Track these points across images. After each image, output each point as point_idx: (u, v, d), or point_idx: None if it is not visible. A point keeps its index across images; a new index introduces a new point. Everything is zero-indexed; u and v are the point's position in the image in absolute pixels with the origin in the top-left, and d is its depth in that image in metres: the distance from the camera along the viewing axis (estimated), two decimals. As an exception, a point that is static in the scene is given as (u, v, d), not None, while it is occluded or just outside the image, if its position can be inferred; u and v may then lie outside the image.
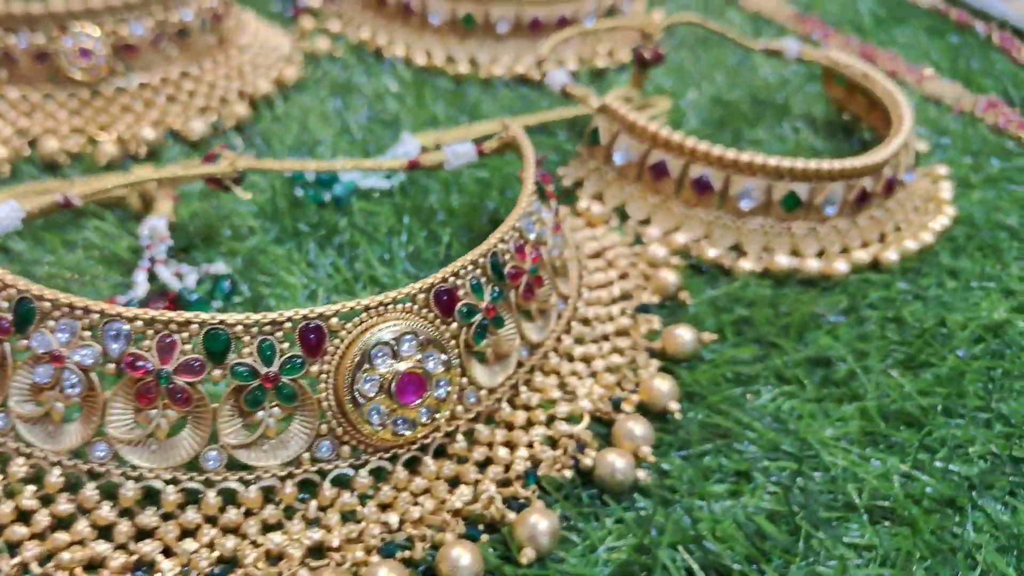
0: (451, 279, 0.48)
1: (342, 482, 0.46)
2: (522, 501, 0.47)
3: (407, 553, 0.44)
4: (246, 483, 0.45)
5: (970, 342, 0.62)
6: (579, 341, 0.57)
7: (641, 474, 0.49)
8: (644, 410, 0.54)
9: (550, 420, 0.51)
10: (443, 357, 0.46)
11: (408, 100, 0.82)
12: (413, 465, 0.48)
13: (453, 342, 0.48)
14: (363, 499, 0.46)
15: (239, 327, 0.43)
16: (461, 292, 0.48)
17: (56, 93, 0.72)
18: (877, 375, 0.58)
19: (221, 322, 0.43)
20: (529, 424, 0.51)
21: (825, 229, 0.68)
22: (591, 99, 0.71)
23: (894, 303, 0.65)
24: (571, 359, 0.56)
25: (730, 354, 0.58)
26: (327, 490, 0.46)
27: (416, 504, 0.46)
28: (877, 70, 0.82)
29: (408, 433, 0.46)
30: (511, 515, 0.46)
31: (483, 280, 0.49)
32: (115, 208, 0.64)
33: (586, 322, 0.58)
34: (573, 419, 0.52)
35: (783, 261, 0.66)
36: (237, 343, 0.43)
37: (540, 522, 0.44)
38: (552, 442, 0.51)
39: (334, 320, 0.44)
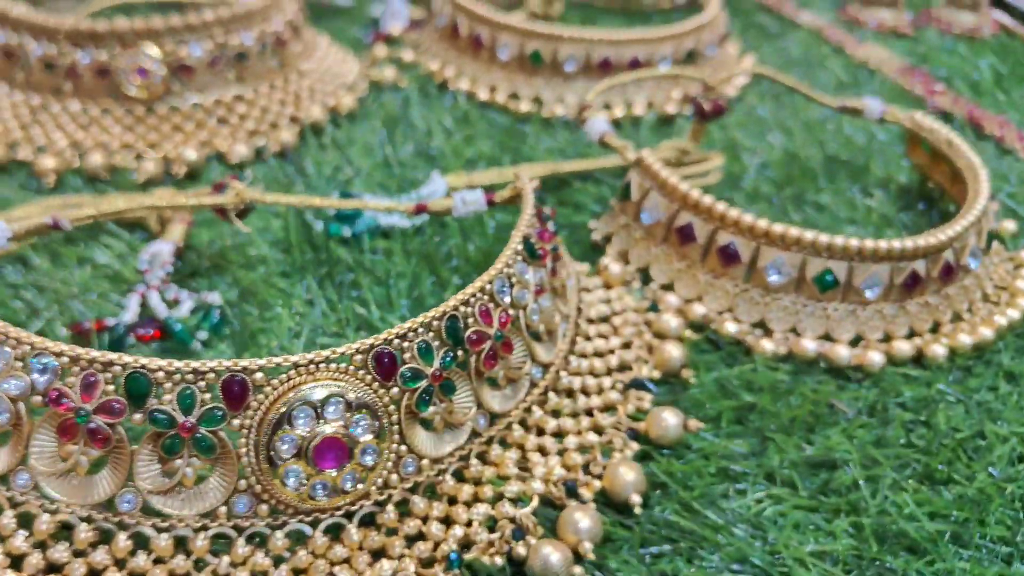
0: (395, 341, 0.45)
1: (258, 541, 0.45)
2: (440, 585, 0.44)
3: None
4: (159, 530, 0.44)
5: (1010, 460, 0.54)
6: (555, 414, 0.54)
7: (577, 571, 0.45)
8: (605, 499, 0.50)
9: (497, 499, 0.48)
10: (375, 423, 0.44)
11: (457, 136, 0.80)
12: (337, 531, 0.46)
13: (392, 407, 0.45)
14: (278, 561, 0.44)
15: (161, 373, 0.43)
16: (407, 355, 0.46)
17: (114, 109, 0.75)
18: (887, 487, 0.52)
19: (143, 366, 0.42)
20: (476, 500, 0.48)
21: (867, 313, 0.62)
22: (628, 151, 0.67)
23: (929, 405, 0.58)
24: (540, 432, 0.52)
25: (722, 445, 0.54)
26: (240, 547, 0.44)
27: (331, 574, 0.44)
28: (963, 138, 0.74)
29: (325, 500, 0.44)
30: (423, 599, 0.43)
31: (435, 344, 0.46)
32: (136, 228, 0.65)
33: (569, 393, 0.55)
34: (523, 501, 0.48)
35: (809, 345, 0.61)
36: (158, 389, 0.43)
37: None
38: (493, 523, 0.47)
39: (259, 375, 0.43)
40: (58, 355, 0.43)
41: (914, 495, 0.52)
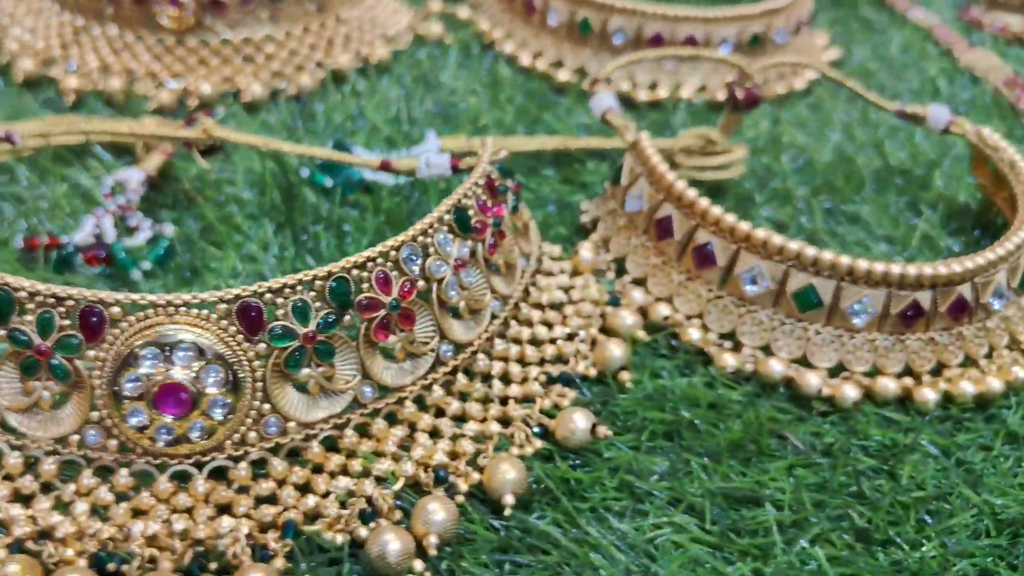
0: (267, 295, 0.43)
1: (104, 475, 0.44)
2: (271, 552, 0.42)
3: (124, 567, 0.41)
4: (12, 447, 0.44)
5: (974, 532, 0.47)
6: (463, 396, 0.50)
7: (418, 566, 0.42)
8: (481, 495, 0.46)
9: (363, 475, 0.46)
10: (227, 376, 0.43)
11: (484, 100, 0.77)
12: (186, 479, 0.44)
13: (257, 363, 0.43)
14: (121, 498, 0.44)
15: (24, 293, 0.42)
16: (280, 312, 0.43)
17: (146, 37, 0.76)
18: (809, 538, 0.46)
19: (7, 284, 0.42)
20: (343, 473, 0.46)
21: (855, 342, 0.55)
22: (628, 133, 0.62)
23: (899, 454, 0.51)
24: (440, 414, 0.49)
25: (636, 459, 0.49)
26: (86, 478, 0.44)
27: (166, 521, 0.43)
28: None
29: (164, 446, 0.43)
30: (248, 564, 0.41)
31: (316, 304, 0.44)
32: (124, 153, 0.66)
33: (486, 378, 0.51)
34: (389, 480, 0.46)
35: (776, 367, 0.55)
36: (21, 308, 0.42)
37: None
38: (350, 498, 0.45)
39: (116, 309, 0.42)
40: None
41: (836, 552, 0.45)
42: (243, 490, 0.45)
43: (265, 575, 0.40)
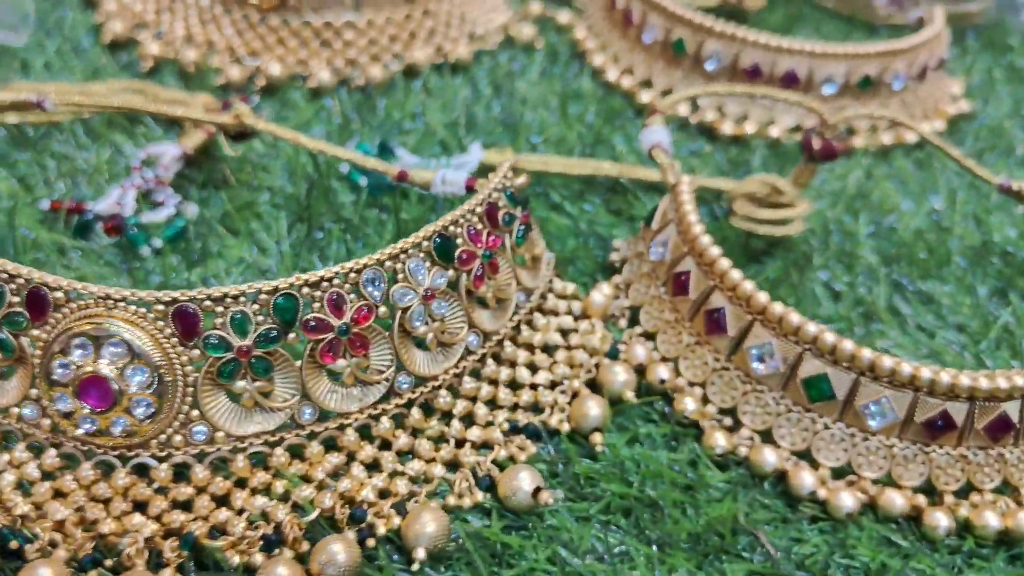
0: (207, 303, 0.43)
1: (35, 451, 0.45)
2: (164, 561, 0.42)
3: (26, 547, 0.42)
4: None
5: None
6: (415, 433, 0.48)
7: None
8: (398, 542, 0.44)
9: (283, 497, 0.45)
10: (152, 377, 0.42)
11: (552, 113, 0.74)
12: (109, 470, 0.45)
13: (190, 368, 0.43)
14: (47, 477, 0.44)
15: None
16: (218, 321, 0.43)
17: (234, 11, 0.77)
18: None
19: None
20: (266, 491, 0.45)
21: (869, 444, 0.49)
22: (671, 173, 0.58)
23: (883, 583, 0.45)
24: (385, 447, 0.48)
25: (579, 533, 0.45)
26: (19, 451, 0.45)
27: (79, 508, 0.43)
28: None
29: (86, 435, 0.43)
30: (139, 571, 0.41)
31: (257, 318, 0.43)
32: (174, 125, 0.67)
33: (445, 416, 0.49)
34: (307, 509, 0.44)
35: (770, 457, 0.50)
36: None
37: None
38: (261, 519, 0.44)
39: (59, 294, 0.43)
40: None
41: None
42: (161, 491, 0.44)
43: None
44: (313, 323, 0.44)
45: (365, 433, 0.48)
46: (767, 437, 0.51)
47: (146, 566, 0.42)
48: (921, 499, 0.49)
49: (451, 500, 0.46)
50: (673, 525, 0.46)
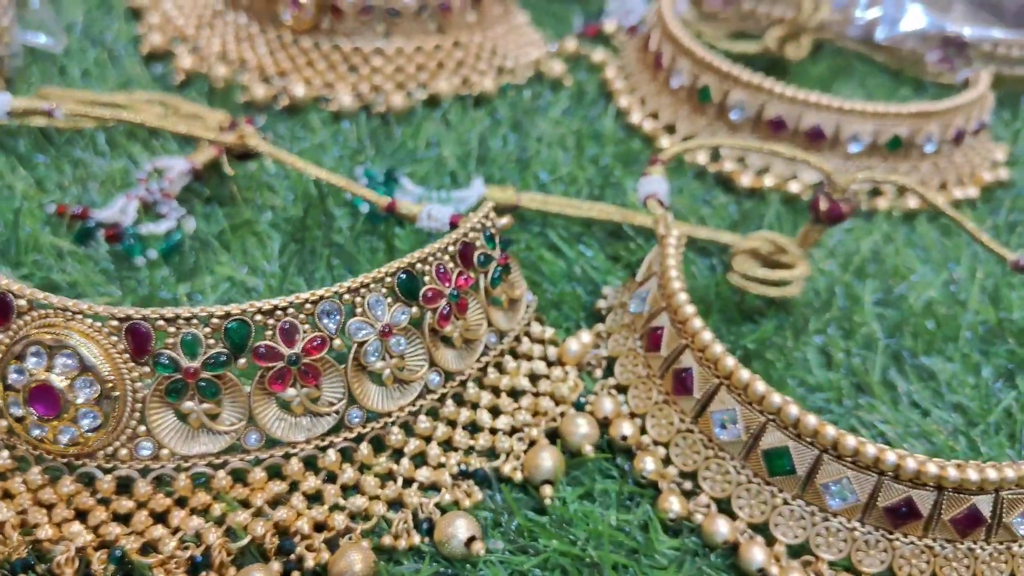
0: (159, 322, 0.44)
1: (-11, 452, 0.46)
2: (92, 573, 0.43)
3: None
4: None
5: None
6: (361, 469, 0.48)
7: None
8: (325, 576, 0.44)
9: (219, 520, 0.45)
10: (96, 390, 0.43)
11: (567, 153, 0.74)
12: (56, 476, 0.46)
13: (139, 385, 0.44)
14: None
15: None
16: (170, 341, 0.44)
17: (269, 31, 0.79)
18: None
19: None
20: (204, 511, 0.46)
21: (830, 525, 0.48)
22: (661, 224, 0.57)
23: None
24: (330, 479, 0.48)
25: (510, 586, 0.45)
26: (-26, 450, 0.46)
27: (21, 511, 0.45)
28: None
29: (36, 440, 0.44)
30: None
31: (208, 341, 0.44)
32: (190, 141, 0.69)
33: (396, 453, 0.49)
34: (238, 534, 0.45)
35: (722, 528, 0.48)
36: None
37: None
38: (193, 540, 0.45)
39: (23, 302, 0.44)
40: None
41: None
42: (104, 502, 0.45)
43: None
44: (263, 350, 0.45)
45: (311, 463, 0.48)
46: (726, 506, 0.49)
47: (73, 576, 0.42)
48: None
49: (387, 540, 0.46)
50: (607, 592, 0.45)
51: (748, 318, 0.61)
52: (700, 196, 0.72)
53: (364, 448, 0.49)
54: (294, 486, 0.47)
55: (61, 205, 0.62)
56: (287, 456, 0.47)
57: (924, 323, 0.62)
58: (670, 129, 0.78)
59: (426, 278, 0.49)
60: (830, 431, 0.46)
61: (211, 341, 0.44)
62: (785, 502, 0.48)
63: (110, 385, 0.44)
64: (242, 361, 0.45)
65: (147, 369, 0.44)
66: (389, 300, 0.48)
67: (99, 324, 0.44)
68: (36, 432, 0.44)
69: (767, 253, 0.63)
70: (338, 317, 0.46)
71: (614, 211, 0.66)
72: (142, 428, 0.45)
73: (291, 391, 0.46)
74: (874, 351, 0.60)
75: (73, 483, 0.46)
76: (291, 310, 0.45)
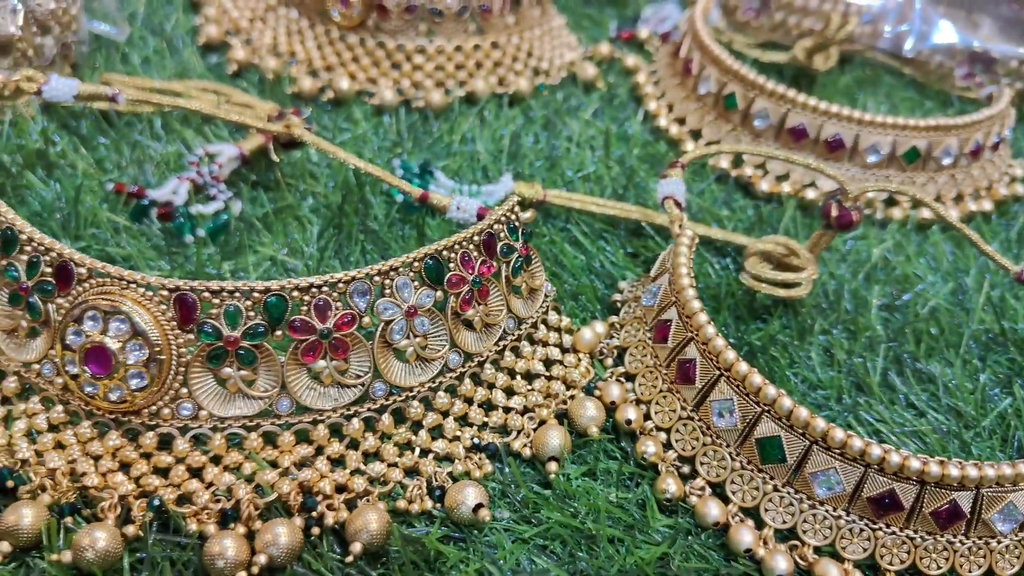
0: (205, 293, 0.48)
1: (47, 405, 0.51)
2: (132, 518, 0.47)
3: (19, 487, 0.48)
4: None
5: None
6: (382, 438, 0.52)
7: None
8: (341, 535, 0.48)
9: (248, 478, 0.49)
10: (145, 353, 0.47)
11: (594, 152, 0.77)
12: (104, 430, 0.50)
13: (185, 351, 0.48)
14: (52, 429, 0.50)
15: (25, 238, 0.49)
16: (213, 312, 0.48)
17: (317, 26, 0.83)
18: None
19: (13, 225, 0.50)
20: (235, 469, 0.50)
21: (816, 512, 0.50)
22: (676, 224, 0.60)
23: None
24: (354, 446, 0.52)
25: (506, 553, 0.48)
26: (33, 403, 0.51)
27: (71, 462, 0.49)
28: None
29: (89, 396, 0.48)
30: (109, 522, 0.46)
31: (248, 313, 0.48)
32: (241, 128, 0.73)
33: (413, 426, 0.53)
34: (265, 491, 0.49)
35: (713, 510, 0.51)
36: (21, 248, 0.50)
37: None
38: (224, 495, 0.48)
39: (83, 270, 0.48)
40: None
41: None
42: (146, 456, 0.49)
43: (107, 538, 0.45)
44: (298, 324, 0.48)
45: (336, 430, 0.52)
46: (721, 490, 0.52)
47: (115, 521, 0.46)
48: (858, 575, 0.49)
49: (401, 503, 0.50)
50: (605, 560, 0.49)
51: (757, 316, 0.64)
52: (720, 199, 0.75)
53: (386, 419, 0.52)
54: (319, 450, 0.51)
55: (119, 184, 0.66)
56: (315, 422, 0.51)
57: (927, 329, 0.65)
58: (695, 134, 0.81)
59: (451, 265, 0.52)
60: (820, 423, 0.49)
61: (251, 313, 0.48)
62: (775, 488, 0.51)
63: (157, 349, 0.48)
64: (278, 333, 0.49)
65: (191, 336, 0.48)
66: (416, 283, 0.51)
67: (150, 293, 0.48)
68: (88, 389, 0.48)
69: (779, 255, 0.66)
70: (368, 297, 0.50)
71: (635, 210, 0.69)
72: (184, 390, 0.49)
73: (321, 363, 0.50)
74: (876, 353, 0.62)
75: (119, 438, 0.50)
76: (325, 288, 0.49)
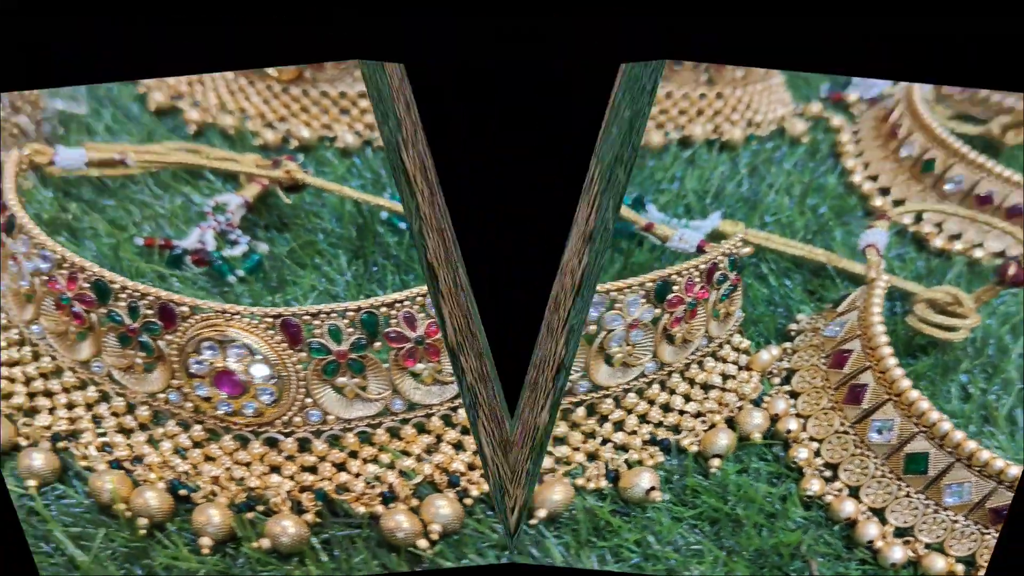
0: (305, 316, 0.62)
1: (184, 427, 0.64)
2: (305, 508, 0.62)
3: (192, 495, 0.60)
4: (119, 394, 0.64)
5: None
6: (574, 426, 0.67)
7: (422, 544, 0.59)
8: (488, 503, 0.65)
9: (389, 466, 0.63)
10: (268, 371, 0.60)
11: (794, 199, 0.87)
12: (244, 442, 0.64)
13: (301, 367, 0.62)
14: (196, 446, 0.63)
15: (118, 285, 0.60)
16: (317, 331, 0.63)
17: (256, 83, 0.88)
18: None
19: (103, 278, 0.60)
20: (374, 460, 0.62)
21: (939, 516, 0.60)
22: (874, 270, 0.75)
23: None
24: (464, 432, 0.68)
25: (664, 527, 0.61)
26: (171, 425, 0.63)
27: (227, 468, 0.61)
28: None
29: (224, 415, 0.62)
30: (285, 512, 0.60)
31: (348, 329, 0.61)
32: (231, 180, 0.85)
33: (602, 418, 0.66)
34: (410, 475, 0.64)
35: (847, 507, 0.62)
36: (117, 296, 0.61)
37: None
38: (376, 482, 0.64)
39: (185, 308, 0.63)
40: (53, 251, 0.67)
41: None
42: (290, 458, 0.66)
43: (295, 525, 0.60)
44: (393, 335, 0.65)
45: (448, 421, 0.65)
46: (855, 492, 0.64)
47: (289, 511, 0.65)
48: (960, 568, 0.62)
49: (579, 481, 0.67)
50: (746, 540, 0.61)
51: (910, 354, 0.74)
52: (895, 249, 0.85)
53: (581, 411, 0.68)
54: (439, 438, 0.66)
55: (148, 238, 0.83)
56: (428, 416, 0.66)
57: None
58: (884, 191, 0.91)
59: (675, 287, 0.68)
60: (970, 444, 0.63)
61: (350, 329, 0.65)
62: (908, 495, 0.62)
63: (278, 367, 0.64)
64: (377, 344, 0.65)
65: (304, 354, 0.65)
66: (643, 301, 0.67)
67: (255, 321, 0.66)
68: (223, 408, 0.65)
69: (944, 303, 0.74)
70: (602, 308, 0.65)
71: (821, 253, 0.80)
72: (308, 400, 0.66)
73: (420, 365, 0.65)
74: (1009, 393, 0.70)
75: (261, 445, 0.66)
76: (406, 302, 0.63)
